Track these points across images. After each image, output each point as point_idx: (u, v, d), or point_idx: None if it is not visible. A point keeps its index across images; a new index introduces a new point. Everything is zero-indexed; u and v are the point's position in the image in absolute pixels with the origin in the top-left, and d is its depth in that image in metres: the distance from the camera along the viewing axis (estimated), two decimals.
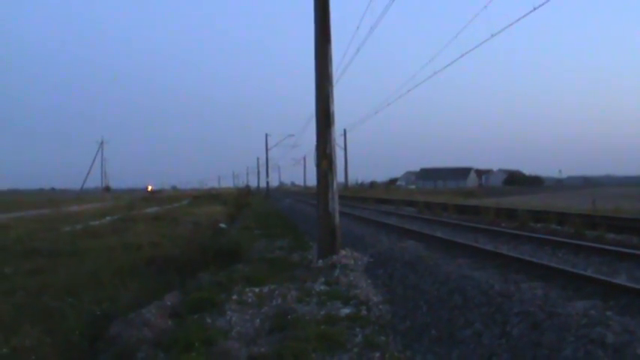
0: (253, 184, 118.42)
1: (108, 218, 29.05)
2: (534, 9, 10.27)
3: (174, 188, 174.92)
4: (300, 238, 15.75)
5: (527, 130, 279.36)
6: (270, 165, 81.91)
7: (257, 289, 8.44)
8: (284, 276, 9.54)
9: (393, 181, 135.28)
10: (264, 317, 7.07)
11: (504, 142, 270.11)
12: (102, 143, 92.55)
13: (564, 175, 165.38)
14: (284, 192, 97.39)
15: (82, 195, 78.05)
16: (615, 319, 4.84)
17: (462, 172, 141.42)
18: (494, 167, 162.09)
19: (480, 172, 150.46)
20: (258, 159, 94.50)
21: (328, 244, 10.94)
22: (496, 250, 9.76)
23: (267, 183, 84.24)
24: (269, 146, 77.30)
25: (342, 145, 65.84)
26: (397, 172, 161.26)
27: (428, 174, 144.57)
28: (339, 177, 13.91)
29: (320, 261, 10.64)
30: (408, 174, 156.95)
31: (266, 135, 77.44)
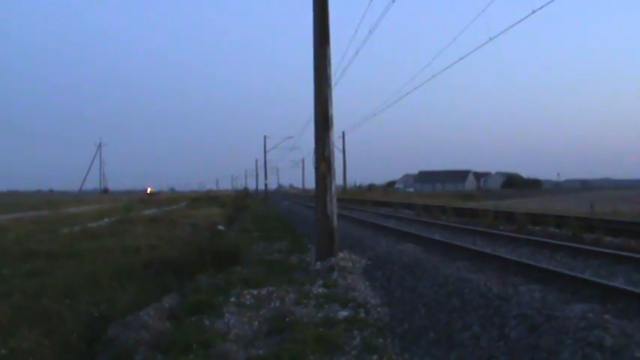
0: (252, 186, 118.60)
1: (106, 220, 28.96)
2: (533, 12, 10.32)
3: (172, 190, 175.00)
4: (299, 241, 15.74)
5: (526, 133, 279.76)
6: (268, 167, 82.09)
7: (255, 292, 8.43)
8: (282, 278, 9.53)
9: (391, 184, 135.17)
10: (262, 319, 7.07)
11: (503, 145, 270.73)
12: (100, 145, 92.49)
13: (562, 178, 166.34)
14: (282, 194, 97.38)
15: (80, 197, 77.89)
16: (613, 322, 4.85)
17: (461, 175, 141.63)
18: (493, 170, 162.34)
19: (478, 175, 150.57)
20: (256, 161, 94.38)
21: (326, 247, 10.94)
22: (494, 252, 9.77)
23: (266, 185, 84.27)
24: (267, 148, 77.43)
25: (341, 148, 65.89)
26: (395, 175, 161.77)
27: (426, 177, 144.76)
28: (338, 179, 13.93)
29: (318, 263, 10.63)
30: (407, 177, 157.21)
31: (264, 137, 77.56)
